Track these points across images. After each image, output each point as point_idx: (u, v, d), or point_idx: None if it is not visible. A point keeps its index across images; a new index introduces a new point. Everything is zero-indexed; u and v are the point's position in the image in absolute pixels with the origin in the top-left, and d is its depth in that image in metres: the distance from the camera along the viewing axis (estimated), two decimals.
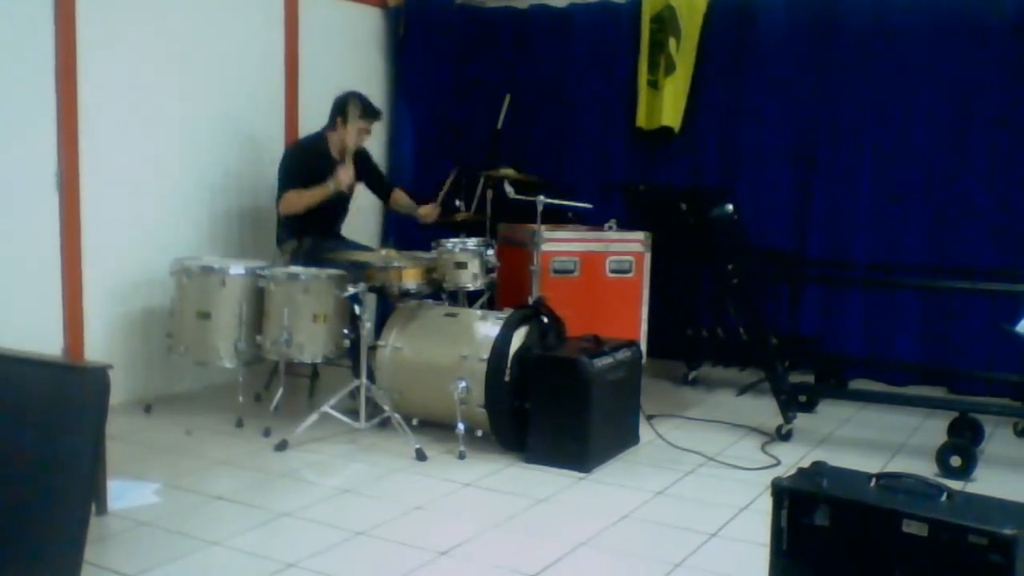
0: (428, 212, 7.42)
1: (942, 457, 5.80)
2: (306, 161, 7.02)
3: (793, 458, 5.95)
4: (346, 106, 7.01)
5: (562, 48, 9.17)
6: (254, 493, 5.23)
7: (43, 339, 6.08)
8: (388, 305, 6.97)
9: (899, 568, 3.29)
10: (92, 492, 3.43)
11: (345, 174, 6.83)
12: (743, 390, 7.71)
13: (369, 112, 7.07)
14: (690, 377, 8.11)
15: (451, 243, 6.73)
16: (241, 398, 6.50)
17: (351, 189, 7.13)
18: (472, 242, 6.80)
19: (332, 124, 7.08)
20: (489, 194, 8.72)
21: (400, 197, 7.56)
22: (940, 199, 7.80)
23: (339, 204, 7.19)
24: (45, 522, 3.23)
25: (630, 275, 7.50)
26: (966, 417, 6.32)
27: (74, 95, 6.40)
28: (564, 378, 5.77)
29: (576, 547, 4.62)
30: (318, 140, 7.15)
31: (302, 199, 6.87)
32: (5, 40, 6.06)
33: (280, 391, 6.53)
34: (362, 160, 7.31)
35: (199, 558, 4.40)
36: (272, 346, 6.38)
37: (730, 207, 6.87)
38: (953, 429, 6.29)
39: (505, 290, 7.39)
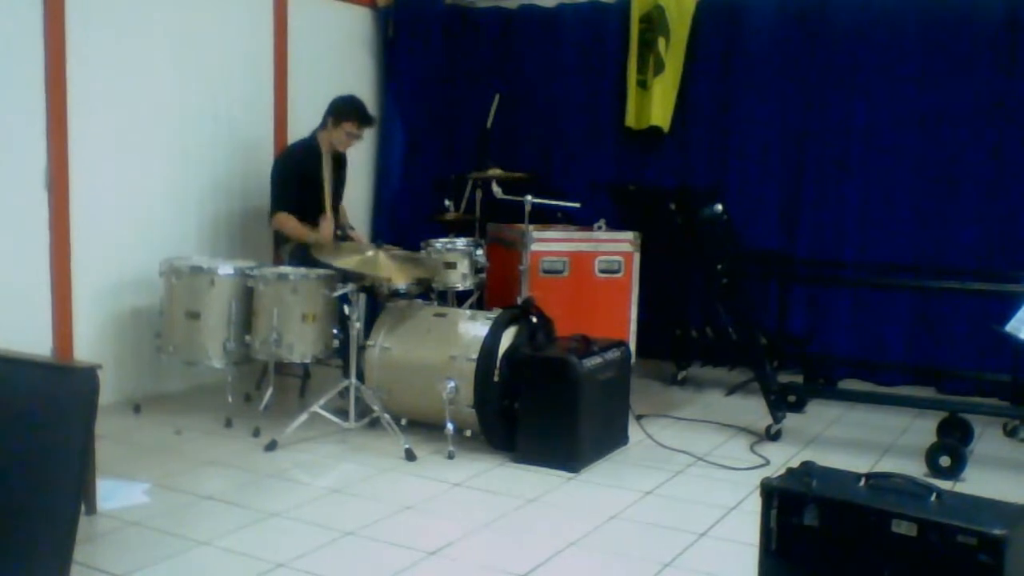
0: (358, 239, 7.44)
1: (931, 457, 5.81)
2: (297, 167, 7.03)
3: (782, 458, 5.96)
4: (341, 108, 7.03)
5: (551, 48, 9.18)
6: (243, 493, 5.23)
7: (32, 339, 6.06)
8: (377, 305, 6.97)
9: (888, 568, 3.29)
10: (81, 492, 3.41)
11: (326, 228, 6.84)
12: (732, 390, 7.73)
13: (362, 118, 7.06)
14: (679, 377, 8.11)
15: (440, 243, 6.73)
16: (230, 398, 6.49)
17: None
18: (461, 242, 6.81)
19: (324, 123, 7.08)
20: (478, 194, 8.72)
21: (343, 213, 7.57)
22: (929, 199, 7.82)
23: (332, 206, 7.21)
24: (34, 522, 3.22)
25: (619, 275, 7.51)
26: (955, 417, 6.33)
27: (63, 95, 6.38)
28: (553, 378, 5.77)
29: (565, 547, 4.62)
30: (310, 141, 7.15)
31: (289, 229, 6.92)
32: None
33: (270, 391, 6.53)
34: (341, 166, 7.32)
35: (188, 558, 4.40)
36: (261, 346, 6.38)
37: (719, 207, 6.88)
38: (942, 429, 6.30)
39: (494, 290, 7.40)
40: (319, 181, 6.93)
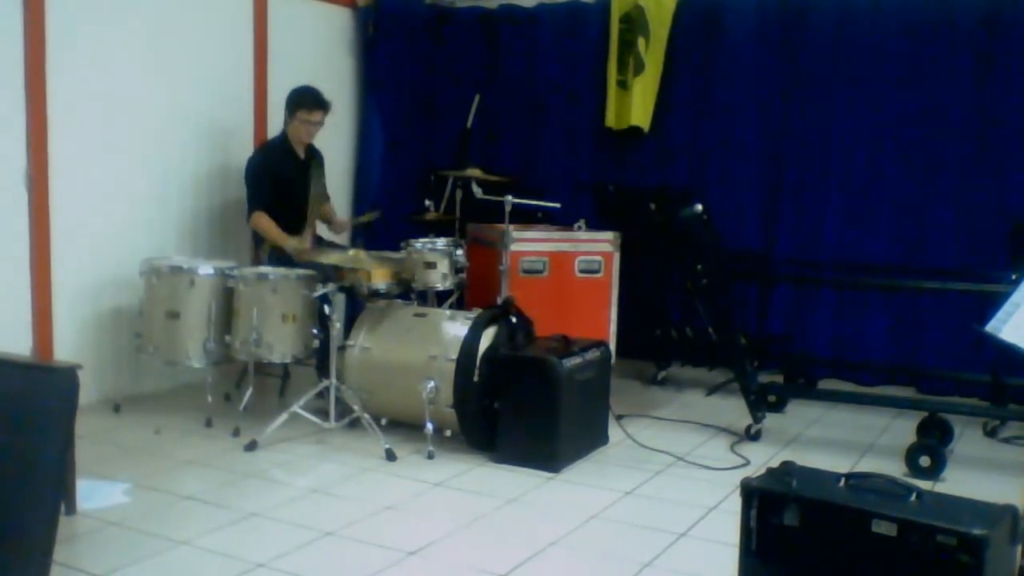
0: (342, 224, 7.63)
1: (911, 457, 5.83)
2: (270, 165, 7.07)
3: (762, 458, 5.97)
4: (291, 100, 7.12)
5: (531, 48, 9.18)
6: (223, 493, 5.22)
7: (11, 338, 6.02)
8: (357, 305, 6.95)
9: (868, 568, 3.30)
10: (61, 492, 3.41)
11: (300, 245, 6.83)
12: (712, 390, 7.73)
13: (310, 103, 7.08)
14: (659, 377, 8.12)
15: (420, 243, 6.71)
16: (210, 398, 6.47)
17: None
18: (441, 242, 6.79)
19: (285, 120, 7.16)
20: (458, 194, 8.71)
21: (328, 209, 7.58)
22: (909, 199, 7.84)
23: (312, 206, 7.20)
24: (13, 522, 3.21)
25: (599, 275, 7.49)
26: (935, 417, 6.36)
27: (43, 94, 6.34)
28: (533, 378, 5.77)
29: (545, 547, 4.63)
30: (281, 140, 7.20)
31: (265, 230, 6.94)
32: None
33: (249, 391, 6.51)
34: (318, 164, 7.32)
35: (168, 558, 4.39)
36: (241, 346, 6.37)
37: (699, 207, 6.88)
38: (922, 429, 6.33)
39: (474, 290, 7.38)
40: (290, 178, 6.93)
